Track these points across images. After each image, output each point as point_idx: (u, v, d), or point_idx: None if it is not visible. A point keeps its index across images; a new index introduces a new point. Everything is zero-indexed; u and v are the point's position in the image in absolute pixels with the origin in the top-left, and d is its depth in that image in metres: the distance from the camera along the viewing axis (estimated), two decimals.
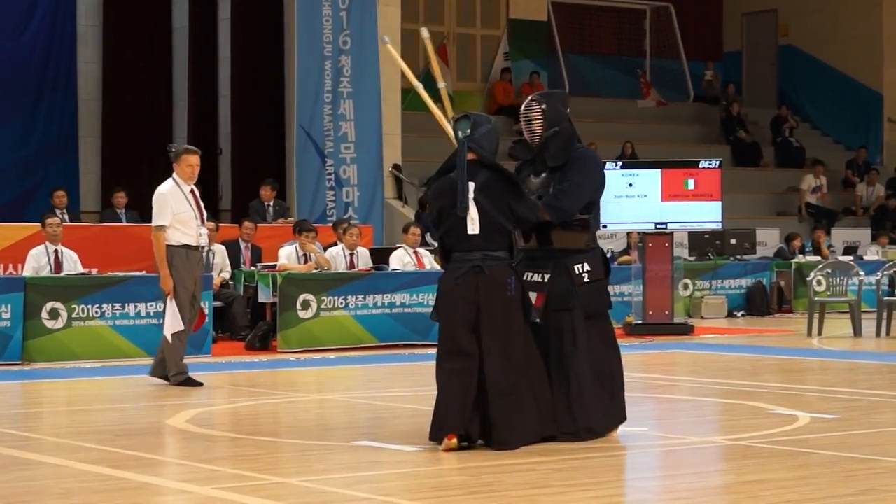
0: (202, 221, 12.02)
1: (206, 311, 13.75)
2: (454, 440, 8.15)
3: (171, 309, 11.85)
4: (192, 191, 11.99)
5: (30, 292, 14.25)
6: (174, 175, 12.01)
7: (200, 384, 11.91)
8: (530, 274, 8.73)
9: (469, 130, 8.38)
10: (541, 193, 8.72)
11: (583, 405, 8.53)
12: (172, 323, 11.85)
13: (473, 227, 8.30)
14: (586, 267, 8.68)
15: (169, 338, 11.96)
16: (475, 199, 8.29)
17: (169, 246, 11.81)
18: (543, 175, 8.81)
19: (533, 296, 8.62)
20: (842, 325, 18.17)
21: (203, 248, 12.06)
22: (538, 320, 8.58)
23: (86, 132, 21.62)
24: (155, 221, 11.90)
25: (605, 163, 17.80)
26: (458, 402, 8.17)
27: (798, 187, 27.47)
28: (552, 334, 8.60)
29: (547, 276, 8.69)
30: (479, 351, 8.22)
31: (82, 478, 7.53)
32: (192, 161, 11.97)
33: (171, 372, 11.99)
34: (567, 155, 8.75)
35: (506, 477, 7.47)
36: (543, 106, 8.77)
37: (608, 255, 22.32)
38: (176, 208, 11.82)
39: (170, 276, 11.79)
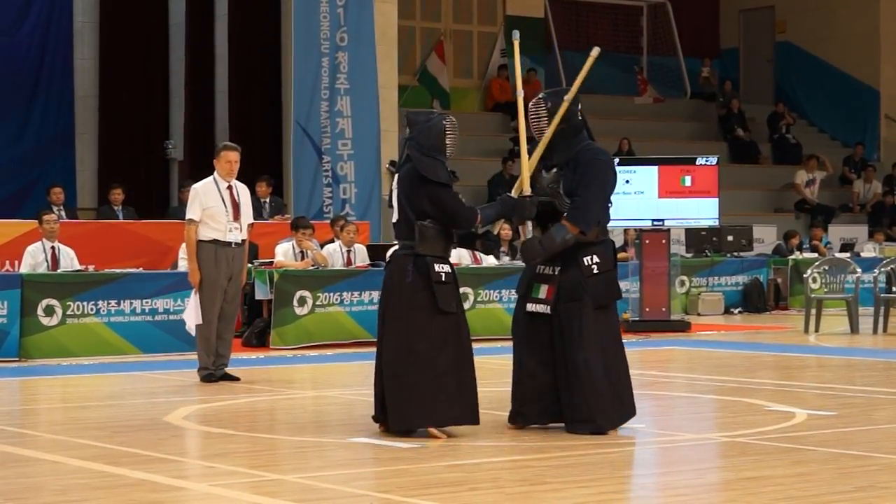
0: (235, 217, 12.04)
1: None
2: (382, 427, 8.75)
3: (194, 302, 11.91)
4: (229, 187, 12.09)
5: (27, 289, 14.24)
6: (215, 171, 12.16)
7: (216, 380, 11.98)
8: (542, 266, 8.91)
9: (408, 130, 8.87)
10: (553, 189, 8.89)
11: (595, 392, 8.65)
12: (192, 316, 11.91)
13: (394, 216, 8.88)
14: (595, 259, 8.82)
15: (192, 331, 12.12)
16: (396, 191, 8.84)
17: (199, 241, 11.93)
18: (554, 170, 9.00)
19: (544, 288, 8.81)
20: (839, 322, 18.16)
21: (235, 244, 12.04)
22: (547, 311, 8.74)
23: (82, 129, 21.60)
24: (186, 215, 12.09)
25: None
26: (375, 391, 8.85)
27: (793, 182, 27.48)
28: (563, 324, 8.73)
29: (557, 269, 8.83)
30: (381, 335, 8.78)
31: (79, 474, 7.52)
32: (231, 157, 12.15)
33: (198, 366, 12.12)
34: (572, 150, 8.90)
35: (503, 473, 7.47)
36: (549, 104, 8.95)
37: None
38: (206, 203, 11.94)
39: (197, 269, 11.87)
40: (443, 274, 8.65)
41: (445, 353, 8.58)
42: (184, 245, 16.53)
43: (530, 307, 8.87)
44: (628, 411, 8.87)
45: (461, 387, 8.61)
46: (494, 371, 11.75)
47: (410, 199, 8.68)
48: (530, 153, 8.94)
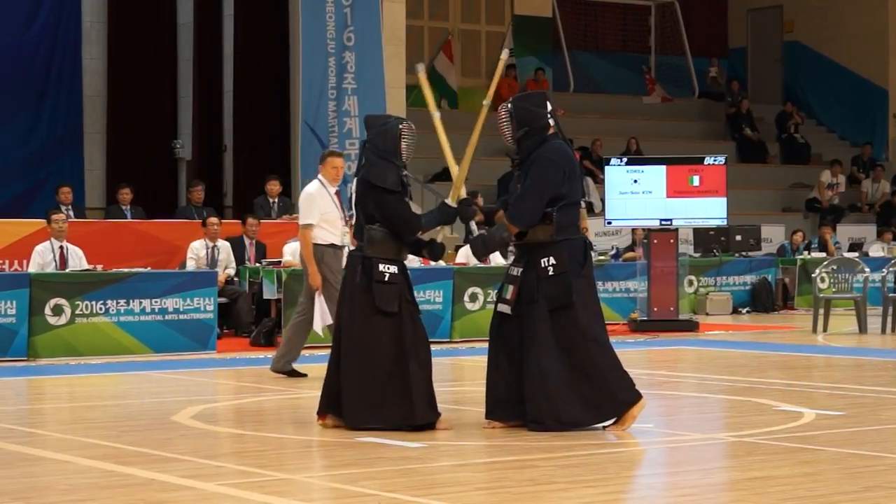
0: (345, 222, 12.15)
1: None
2: (321, 421, 9.04)
3: (321, 304, 11.93)
4: (337, 192, 12.25)
5: (35, 288, 14.26)
6: (319, 176, 12.28)
7: (305, 375, 12.13)
8: (511, 267, 9.08)
9: (366, 133, 9.12)
10: (516, 189, 9.02)
11: (548, 395, 8.71)
12: (323, 317, 11.94)
13: (352, 220, 9.14)
14: (552, 260, 8.86)
15: (320, 331, 12.11)
16: (355, 195, 9.11)
17: (316, 244, 11.97)
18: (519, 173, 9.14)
19: (510, 288, 8.94)
20: (847, 322, 18.15)
21: (344, 247, 12.12)
22: (509, 311, 8.86)
23: (91, 128, 21.61)
24: (302, 220, 12.12)
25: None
26: (324, 385, 9.06)
27: (804, 182, 27.43)
28: (523, 325, 8.85)
29: (520, 270, 8.94)
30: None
31: (87, 474, 7.54)
32: (337, 163, 12.33)
33: (284, 359, 12.21)
34: (532, 151, 9.01)
35: (510, 473, 7.47)
36: (509, 107, 9.13)
37: (613, 252, 22.20)
38: (323, 208, 12.06)
39: (318, 272, 11.93)
40: (386, 274, 8.86)
41: (388, 354, 8.79)
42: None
43: (499, 307, 9.01)
44: (602, 415, 8.84)
45: (403, 389, 8.75)
46: None
47: (361, 203, 8.96)
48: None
